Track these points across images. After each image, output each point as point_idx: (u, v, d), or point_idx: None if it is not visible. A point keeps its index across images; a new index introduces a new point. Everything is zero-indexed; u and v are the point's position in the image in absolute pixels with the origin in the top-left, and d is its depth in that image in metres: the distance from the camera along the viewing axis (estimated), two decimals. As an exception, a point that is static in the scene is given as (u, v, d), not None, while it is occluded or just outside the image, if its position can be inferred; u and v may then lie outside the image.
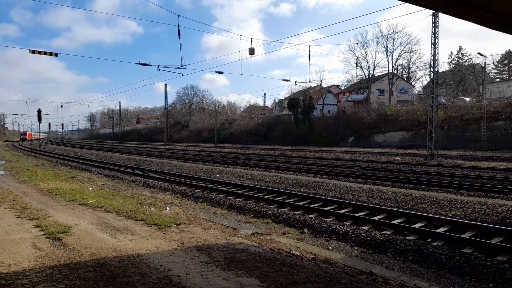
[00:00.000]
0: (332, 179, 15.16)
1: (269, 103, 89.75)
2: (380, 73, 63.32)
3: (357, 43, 61.52)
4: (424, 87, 64.71)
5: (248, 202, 10.99)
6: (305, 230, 8.00)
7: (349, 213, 9.15)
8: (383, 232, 7.48)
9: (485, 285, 5.22)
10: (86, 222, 7.38)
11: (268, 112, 79.99)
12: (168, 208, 9.66)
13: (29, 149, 47.43)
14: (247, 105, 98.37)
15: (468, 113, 40.05)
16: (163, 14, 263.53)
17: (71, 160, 28.10)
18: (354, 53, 68.85)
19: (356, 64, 59.74)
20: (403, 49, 61.80)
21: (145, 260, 4.98)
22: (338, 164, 22.58)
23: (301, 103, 58.54)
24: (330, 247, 6.88)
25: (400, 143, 44.29)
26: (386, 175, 16.31)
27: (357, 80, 66.09)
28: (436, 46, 25.77)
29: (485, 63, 48.15)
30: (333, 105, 70.72)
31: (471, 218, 8.57)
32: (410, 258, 6.23)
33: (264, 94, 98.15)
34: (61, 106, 64.75)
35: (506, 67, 73.96)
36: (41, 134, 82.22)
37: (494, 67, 72.05)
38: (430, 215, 8.71)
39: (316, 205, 10.18)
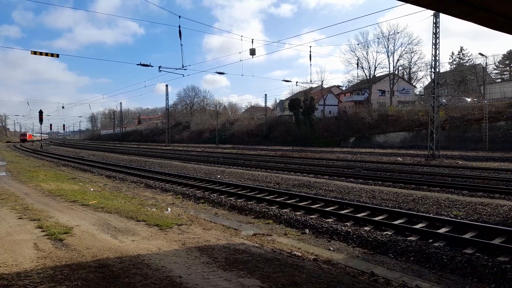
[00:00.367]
0: (333, 180, 15.15)
1: (270, 103, 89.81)
2: (381, 74, 63.34)
3: (358, 44, 61.47)
4: (425, 88, 64.64)
5: (249, 202, 10.99)
6: (307, 230, 8.00)
7: (350, 214, 9.14)
8: (385, 233, 7.48)
9: (486, 286, 5.21)
10: (88, 223, 7.38)
11: (269, 113, 80.00)
12: (169, 209, 9.67)
13: (30, 150, 47.51)
14: (248, 106, 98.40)
15: (469, 113, 39.98)
16: (164, 15, 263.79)
17: (73, 161, 28.15)
18: (355, 54, 68.74)
19: (357, 64, 59.66)
20: (404, 50, 61.92)
21: (147, 261, 4.98)
22: (339, 164, 22.56)
23: (302, 103, 58.54)
24: (331, 248, 6.88)
25: (401, 144, 44.24)
26: (388, 176, 16.29)
27: (358, 81, 66.10)
28: (437, 46, 25.76)
29: (486, 63, 47.94)
30: (334, 105, 70.72)
31: (472, 218, 8.56)
32: (411, 258, 6.23)
33: (265, 94, 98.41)
34: (63, 107, 65.16)
35: (508, 67, 73.79)
36: (42, 135, 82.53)
37: (495, 67, 72.00)
38: (431, 215, 8.70)
39: (318, 205, 10.18)
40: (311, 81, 54.27)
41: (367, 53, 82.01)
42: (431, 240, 7.01)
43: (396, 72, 63.40)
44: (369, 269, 5.46)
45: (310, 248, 6.71)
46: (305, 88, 59.71)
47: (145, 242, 6.00)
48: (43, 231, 6.61)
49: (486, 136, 35.49)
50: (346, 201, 10.53)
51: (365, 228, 7.89)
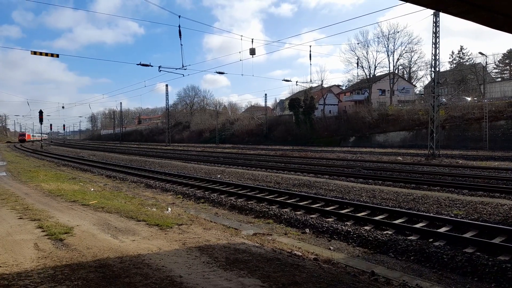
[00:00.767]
0: (334, 179, 15.15)
1: (270, 103, 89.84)
2: (381, 73, 63.33)
3: (358, 43, 61.57)
4: (425, 87, 64.61)
5: (249, 202, 10.99)
6: (307, 230, 8.00)
7: (350, 213, 9.15)
8: (385, 232, 7.48)
9: (487, 285, 5.21)
10: (88, 222, 7.38)
11: (269, 112, 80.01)
12: (169, 209, 9.67)
13: (30, 150, 47.52)
14: (248, 106, 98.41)
15: (470, 112, 39.97)
16: (164, 15, 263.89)
17: (73, 161, 28.15)
18: (355, 53, 68.99)
19: (357, 64, 59.77)
20: (404, 49, 61.74)
21: (147, 261, 4.98)
22: (340, 164, 22.56)
23: (302, 103, 58.54)
24: (331, 247, 6.88)
25: (401, 143, 44.24)
26: (388, 175, 16.30)
27: (358, 80, 66.06)
28: (437, 45, 25.73)
29: (486, 62, 48.01)
30: (334, 105, 70.67)
31: (473, 218, 8.56)
32: (411, 258, 6.23)
33: (265, 94, 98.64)
34: (63, 107, 65.08)
35: (508, 67, 73.75)
36: (42, 135, 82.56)
37: (495, 66, 72.01)
38: (431, 215, 8.69)
39: (318, 205, 10.18)
40: (311, 81, 54.26)
41: (367, 53, 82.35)
42: (431, 240, 7.01)
43: (396, 72, 63.42)
44: (369, 269, 5.46)
45: (311, 247, 6.71)
46: (305, 88, 59.79)
47: (145, 242, 6.00)
48: (44, 231, 6.61)
49: (486, 135, 35.48)
50: (346, 201, 10.53)
51: (366, 227, 7.89)
